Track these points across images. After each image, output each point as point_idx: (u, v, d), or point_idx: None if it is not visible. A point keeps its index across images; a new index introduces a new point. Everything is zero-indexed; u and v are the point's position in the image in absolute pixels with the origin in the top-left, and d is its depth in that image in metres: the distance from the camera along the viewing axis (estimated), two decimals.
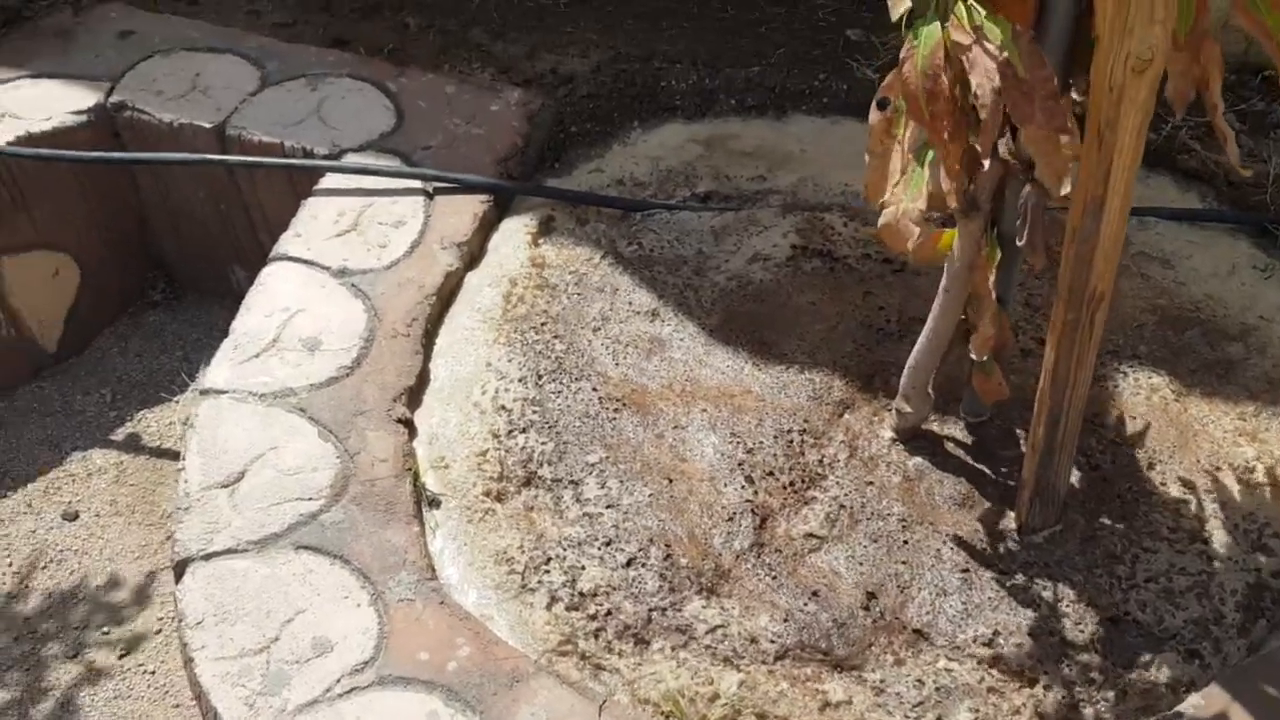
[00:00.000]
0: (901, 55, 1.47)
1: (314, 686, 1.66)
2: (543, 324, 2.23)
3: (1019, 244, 1.71)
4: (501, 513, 1.94)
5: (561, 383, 2.13)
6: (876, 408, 2.09)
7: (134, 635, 2.26)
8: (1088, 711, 1.72)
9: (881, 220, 1.69)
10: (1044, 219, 1.67)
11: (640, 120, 2.69)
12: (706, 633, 1.80)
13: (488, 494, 1.96)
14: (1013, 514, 1.93)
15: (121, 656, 2.22)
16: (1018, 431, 2.03)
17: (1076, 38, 1.55)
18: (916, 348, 1.93)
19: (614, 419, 2.08)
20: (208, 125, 2.59)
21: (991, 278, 1.74)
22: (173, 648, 2.23)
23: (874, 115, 1.60)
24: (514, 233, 2.42)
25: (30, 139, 2.56)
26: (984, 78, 1.41)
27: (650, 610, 1.82)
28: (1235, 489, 1.96)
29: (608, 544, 1.89)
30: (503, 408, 2.08)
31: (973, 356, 1.83)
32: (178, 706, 2.15)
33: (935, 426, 2.05)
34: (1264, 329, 2.21)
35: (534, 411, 2.08)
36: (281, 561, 1.81)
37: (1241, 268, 2.33)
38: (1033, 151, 1.50)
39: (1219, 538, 1.89)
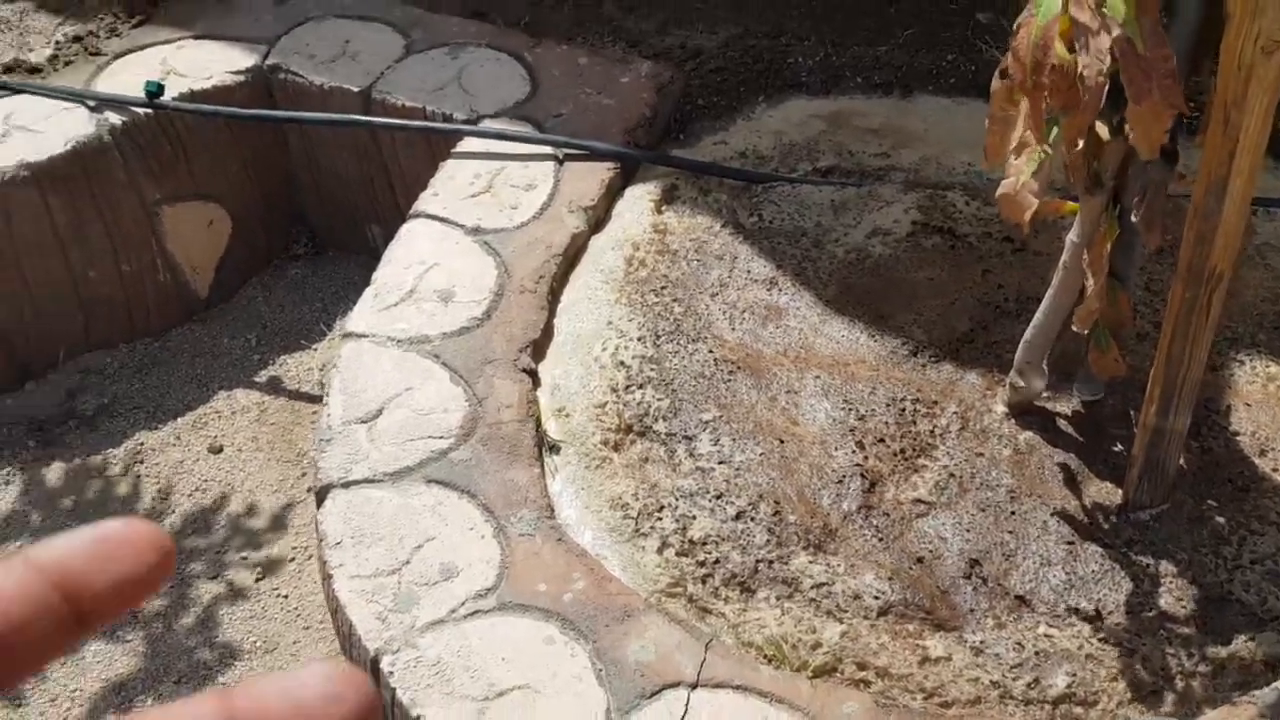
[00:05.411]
0: (1017, 23, 1.51)
1: (440, 607, 1.78)
2: (662, 287, 2.32)
3: (1133, 220, 1.73)
4: (618, 461, 2.03)
5: (679, 343, 2.21)
6: (990, 382, 2.12)
7: (270, 561, 2.42)
8: (1182, 683, 1.74)
9: (1000, 190, 1.73)
10: (1162, 197, 1.69)
11: (765, 95, 2.74)
12: (811, 587, 1.87)
13: (605, 443, 2.06)
14: (1121, 491, 1.95)
15: (258, 580, 2.38)
16: (1131, 413, 2.05)
17: (1208, 17, 1.57)
18: (1033, 322, 1.96)
19: (729, 380, 2.15)
20: (355, 89, 2.74)
21: (1105, 253, 1.76)
22: (305, 574, 2.38)
23: (996, 82, 1.64)
24: (638, 199, 2.51)
25: (192, 95, 2.73)
26: (1093, 59, 1.44)
27: (757, 561, 1.89)
28: None
29: (718, 497, 1.97)
30: (622, 364, 2.18)
31: (1074, 328, 1.86)
32: (308, 629, 2.30)
33: (1049, 404, 2.08)
34: None
35: (651, 369, 2.17)
36: (414, 493, 1.94)
37: None
38: (1131, 121, 1.52)
39: None
